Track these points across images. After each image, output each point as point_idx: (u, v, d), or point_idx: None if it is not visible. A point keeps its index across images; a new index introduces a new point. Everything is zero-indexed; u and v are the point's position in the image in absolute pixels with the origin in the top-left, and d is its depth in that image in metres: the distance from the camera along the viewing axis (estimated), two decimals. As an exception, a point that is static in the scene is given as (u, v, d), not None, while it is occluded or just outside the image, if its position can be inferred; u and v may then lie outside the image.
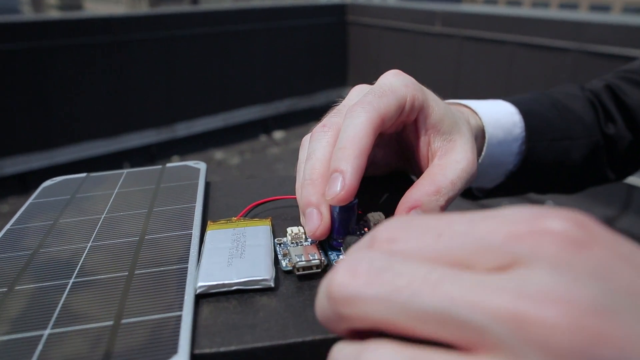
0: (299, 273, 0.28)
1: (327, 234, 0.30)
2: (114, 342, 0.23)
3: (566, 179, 0.48)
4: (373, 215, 0.33)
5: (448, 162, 0.32)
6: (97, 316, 0.25)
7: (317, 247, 0.30)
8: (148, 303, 0.25)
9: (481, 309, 0.13)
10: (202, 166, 0.42)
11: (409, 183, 0.40)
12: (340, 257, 0.30)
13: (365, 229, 0.33)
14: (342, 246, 0.30)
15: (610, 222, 1.97)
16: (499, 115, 0.41)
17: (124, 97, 2.33)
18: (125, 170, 0.42)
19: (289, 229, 0.32)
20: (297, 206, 0.37)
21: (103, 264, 0.29)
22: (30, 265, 0.29)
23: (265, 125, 2.70)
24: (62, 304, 0.26)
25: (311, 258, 0.28)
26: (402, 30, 2.92)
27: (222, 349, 0.23)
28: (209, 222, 0.33)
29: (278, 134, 2.63)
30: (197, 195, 0.37)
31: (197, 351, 0.23)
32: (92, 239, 0.32)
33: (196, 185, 0.39)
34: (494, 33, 2.36)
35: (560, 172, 0.46)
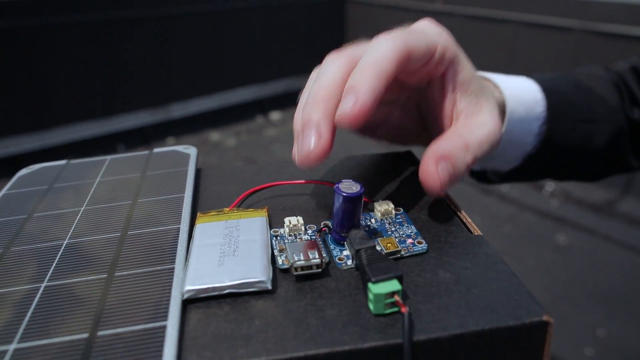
0: (296, 273, 0.25)
1: (322, 158, 0.25)
2: (89, 356, 0.20)
3: (587, 165, 0.45)
4: (380, 204, 0.30)
5: (475, 123, 0.29)
6: (69, 327, 0.22)
7: (318, 243, 0.27)
8: (128, 311, 0.23)
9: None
10: (192, 151, 0.39)
11: (415, 165, 0.37)
12: (344, 253, 0.27)
13: (372, 221, 0.30)
14: (345, 241, 0.27)
15: (610, 204, 1.95)
16: (521, 92, 0.38)
17: (117, 77, 2.27)
18: (108, 157, 0.39)
19: (286, 220, 0.29)
20: (297, 194, 0.34)
21: (80, 264, 0.26)
22: (-2, 266, 0.26)
23: (261, 106, 2.65)
24: (31, 314, 0.23)
25: (311, 257, 0.25)
26: (401, 9, 2.84)
27: (212, 365, 0.20)
28: (198, 214, 0.30)
29: (275, 115, 2.59)
30: (186, 184, 0.34)
31: (183, 368, 0.20)
32: (68, 236, 0.29)
33: (185, 172, 0.35)
34: (496, 11, 2.30)
35: (581, 157, 0.43)
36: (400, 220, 0.29)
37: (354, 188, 0.27)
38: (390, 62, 0.25)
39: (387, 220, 0.30)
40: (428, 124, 0.35)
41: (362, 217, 0.29)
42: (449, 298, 0.23)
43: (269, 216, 0.31)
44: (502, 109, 0.38)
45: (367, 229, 0.29)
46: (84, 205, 0.32)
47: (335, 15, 3.04)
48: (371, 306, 0.22)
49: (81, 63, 2.15)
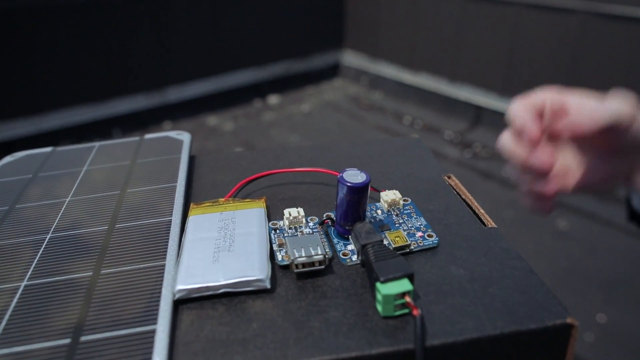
0: (297, 270, 0.23)
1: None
2: (71, 366, 0.18)
3: None
4: (387, 194, 0.28)
5: None
6: (51, 332, 0.20)
7: (321, 237, 0.25)
8: (115, 313, 0.21)
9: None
10: (185, 137, 0.37)
11: (425, 152, 0.35)
12: (349, 247, 0.25)
13: (379, 212, 0.28)
14: (350, 234, 0.25)
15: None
16: None
17: (112, 60, 2.23)
18: (97, 144, 0.37)
19: (286, 211, 0.27)
20: (298, 183, 0.32)
21: (63, 261, 0.24)
22: (-25, 263, 0.24)
23: (259, 90, 2.62)
24: (9, 317, 0.21)
25: (313, 252, 0.23)
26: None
27: (205, 374, 0.18)
28: (191, 205, 0.28)
29: (273, 99, 2.56)
30: (179, 173, 0.32)
31: (174, 377, 0.18)
32: (51, 230, 0.27)
33: (178, 160, 0.33)
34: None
35: None
36: (409, 211, 0.28)
37: (359, 177, 0.24)
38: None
39: (394, 211, 0.28)
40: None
41: (367, 208, 0.27)
42: (464, 298, 0.22)
43: (267, 207, 0.29)
44: None
45: (373, 221, 0.27)
46: (69, 196, 0.30)
47: (334, -4, 2.98)
48: (379, 308, 0.21)
49: (77, 46, 2.10)
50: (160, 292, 0.21)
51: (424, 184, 0.31)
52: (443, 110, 2.36)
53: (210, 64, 2.51)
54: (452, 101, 2.34)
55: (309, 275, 0.23)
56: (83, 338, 0.19)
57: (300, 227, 0.27)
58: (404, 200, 0.28)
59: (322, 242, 0.24)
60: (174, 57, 2.39)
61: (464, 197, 0.29)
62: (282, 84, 2.67)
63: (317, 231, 0.26)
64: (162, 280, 0.22)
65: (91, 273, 0.23)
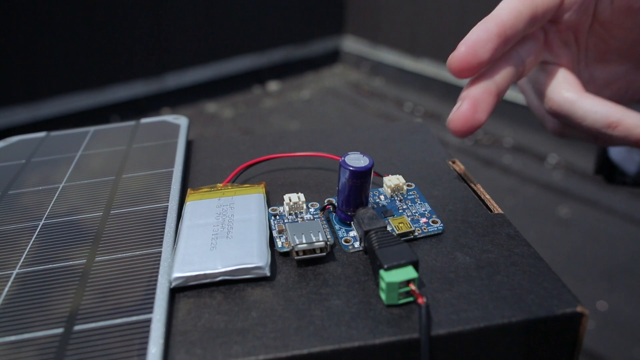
0: (298, 258, 0.22)
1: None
2: (63, 355, 0.18)
3: None
4: (390, 179, 0.27)
5: None
6: (43, 321, 0.19)
7: (322, 223, 0.25)
8: (110, 302, 0.20)
9: None
10: (182, 121, 0.36)
11: (427, 135, 0.34)
12: (351, 234, 0.24)
13: (382, 197, 0.27)
14: (352, 220, 0.24)
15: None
16: None
17: (109, 46, 2.20)
18: (91, 128, 0.36)
19: (286, 197, 0.26)
20: (298, 168, 0.31)
21: (57, 249, 0.23)
22: (-35, 250, 0.24)
23: (258, 76, 2.59)
24: (1, 306, 0.20)
25: (314, 239, 0.22)
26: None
27: (203, 365, 0.18)
28: (189, 191, 0.27)
29: (273, 85, 2.53)
30: (176, 158, 0.31)
31: (170, 368, 0.18)
32: (45, 216, 0.26)
33: (175, 144, 0.32)
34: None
35: None
36: (413, 196, 0.27)
37: (362, 161, 0.24)
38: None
39: (397, 197, 0.27)
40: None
41: (370, 193, 0.26)
42: (470, 286, 0.21)
43: (267, 193, 0.28)
44: None
45: (376, 207, 0.26)
46: (64, 182, 0.29)
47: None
48: (383, 296, 0.20)
49: (73, 32, 2.08)
50: (156, 280, 0.21)
51: (428, 169, 0.30)
52: (444, 96, 2.34)
53: (208, 50, 2.48)
54: (453, 87, 2.32)
55: (310, 262, 0.22)
56: (76, 327, 0.19)
57: (301, 213, 0.26)
58: (408, 186, 0.28)
59: (324, 229, 0.23)
60: (172, 43, 2.37)
61: (469, 182, 0.29)
62: (282, 70, 2.65)
63: (318, 217, 0.25)
64: (158, 268, 0.21)
65: (85, 260, 0.22)
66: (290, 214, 0.26)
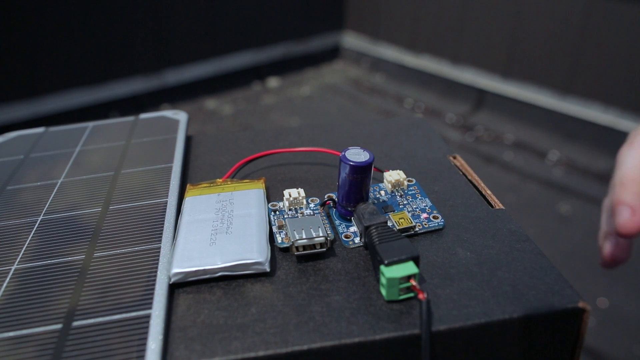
0: (298, 253, 0.22)
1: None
2: (61, 351, 0.18)
3: None
4: (391, 174, 0.27)
5: None
6: (42, 317, 0.19)
7: (322, 218, 0.25)
8: (109, 297, 0.20)
9: None
10: (182, 117, 0.36)
11: (430, 132, 0.34)
12: (351, 229, 0.24)
13: (382, 193, 0.27)
14: (353, 216, 0.24)
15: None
16: None
17: (109, 42, 2.20)
18: (90, 124, 0.36)
19: (286, 192, 0.26)
20: (298, 163, 0.31)
21: (56, 244, 0.23)
22: (-37, 245, 0.23)
23: (258, 72, 2.59)
24: (-4, 300, 0.20)
25: (314, 234, 0.22)
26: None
27: (202, 360, 0.18)
28: (188, 186, 0.27)
29: (272, 82, 2.53)
30: (175, 153, 0.30)
31: (170, 363, 0.18)
32: (43, 212, 0.26)
33: (174, 140, 0.32)
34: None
35: None
36: (414, 192, 0.27)
37: (362, 156, 0.23)
38: None
39: (398, 192, 0.27)
40: None
41: (370, 188, 0.26)
42: (471, 281, 0.21)
43: (267, 188, 0.28)
44: None
45: (376, 202, 0.26)
46: (62, 177, 0.29)
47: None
48: (383, 291, 0.20)
49: (72, 28, 2.07)
50: (155, 276, 0.21)
51: (429, 164, 0.30)
52: (445, 93, 2.34)
53: (208, 46, 2.48)
54: (454, 84, 2.32)
55: (310, 258, 0.22)
56: (75, 323, 0.19)
57: (301, 208, 0.26)
58: (409, 181, 0.27)
59: (324, 224, 0.23)
60: (172, 39, 2.36)
61: (470, 177, 0.28)
62: (282, 67, 2.64)
63: (318, 212, 0.25)
64: (157, 264, 0.21)
65: (84, 256, 0.22)
66: (290, 210, 0.25)
